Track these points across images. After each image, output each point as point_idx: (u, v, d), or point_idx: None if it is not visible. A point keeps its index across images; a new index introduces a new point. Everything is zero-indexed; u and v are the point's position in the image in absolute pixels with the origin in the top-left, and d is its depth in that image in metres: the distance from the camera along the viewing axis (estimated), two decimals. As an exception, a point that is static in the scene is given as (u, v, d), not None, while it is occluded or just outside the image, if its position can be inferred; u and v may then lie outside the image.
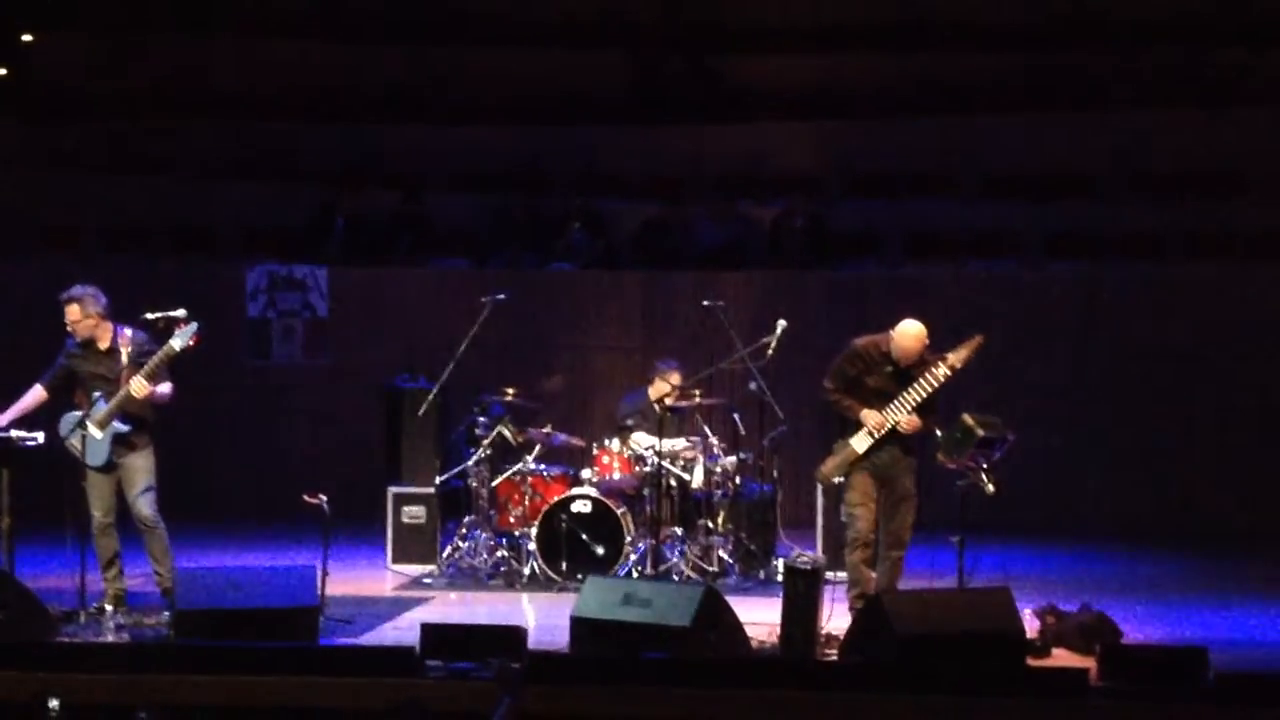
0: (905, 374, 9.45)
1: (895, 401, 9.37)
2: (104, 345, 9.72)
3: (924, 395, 9.35)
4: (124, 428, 9.66)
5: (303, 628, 8.78)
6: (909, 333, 9.46)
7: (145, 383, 9.49)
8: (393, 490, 12.13)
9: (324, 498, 9.73)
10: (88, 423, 9.62)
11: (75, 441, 9.66)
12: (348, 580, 11.09)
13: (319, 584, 9.17)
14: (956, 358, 9.34)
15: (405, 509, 12.03)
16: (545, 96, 16.96)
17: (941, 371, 9.34)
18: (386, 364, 13.86)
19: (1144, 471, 14.38)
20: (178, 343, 9.51)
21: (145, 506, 9.75)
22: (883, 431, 9.39)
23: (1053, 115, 16.20)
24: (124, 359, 9.61)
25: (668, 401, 11.35)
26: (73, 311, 9.68)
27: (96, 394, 9.65)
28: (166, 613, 9.24)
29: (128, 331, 9.73)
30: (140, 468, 9.76)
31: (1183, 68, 16.10)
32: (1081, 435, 14.49)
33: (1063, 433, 14.26)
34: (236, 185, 16.14)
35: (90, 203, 15.88)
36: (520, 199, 16.10)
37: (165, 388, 9.69)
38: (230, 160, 16.36)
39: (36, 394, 9.87)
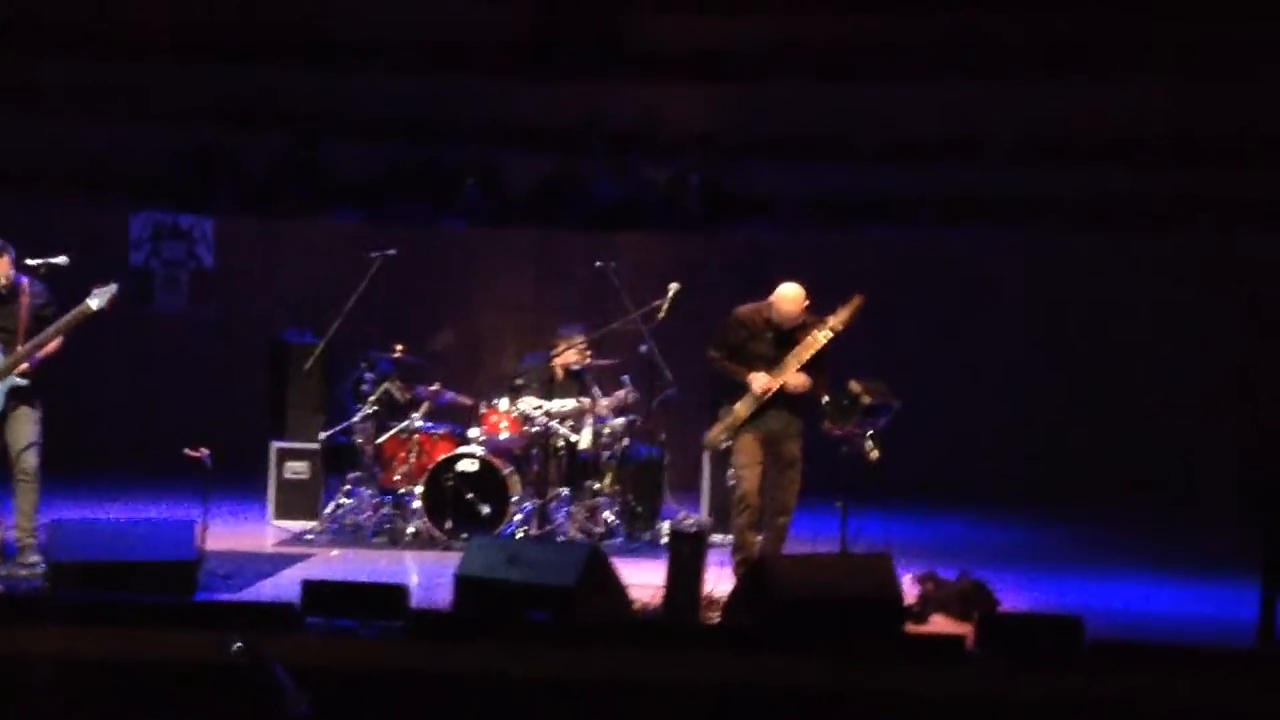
0: (788, 338, 9.45)
1: (779, 366, 9.39)
2: (6, 295, 9.52)
3: (807, 358, 9.37)
4: (21, 381, 9.48)
5: (181, 582, 8.69)
6: (787, 295, 9.47)
7: (59, 340, 9.38)
8: (276, 445, 11.99)
9: (206, 451, 9.59)
10: None
11: None
12: (228, 535, 10.99)
13: (199, 538, 9.06)
14: (838, 320, 9.38)
15: (288, 464, 11.91)
16: (442, 45, 16.73)
17: (824, 334, 9.38)
18: (273, 317, 13.69)
19: (1027, 440, 14.57)
20: (95, 303, 9.40)
21: (33, 458, 9.56)
22: (768, 394, 9.40)
23: (951, 82, 16.22)
24: (22, 310, 9.44)
25: (574, 367, 11.38)
26: (4, 264, 9.43)
27: None
28: (42, 564, 9.07)
29: (25, 281, 9.55)
30: (33, 419, 9.56)
31: (1072, 35, 16.20)
32: (967, 403, 14.64)
33: (955, 399, 14.42)
34: (119, 128, 15.77)
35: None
36: (415, 149, 15.91)
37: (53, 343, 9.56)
38: (112, 102, 15.96)
39: None
